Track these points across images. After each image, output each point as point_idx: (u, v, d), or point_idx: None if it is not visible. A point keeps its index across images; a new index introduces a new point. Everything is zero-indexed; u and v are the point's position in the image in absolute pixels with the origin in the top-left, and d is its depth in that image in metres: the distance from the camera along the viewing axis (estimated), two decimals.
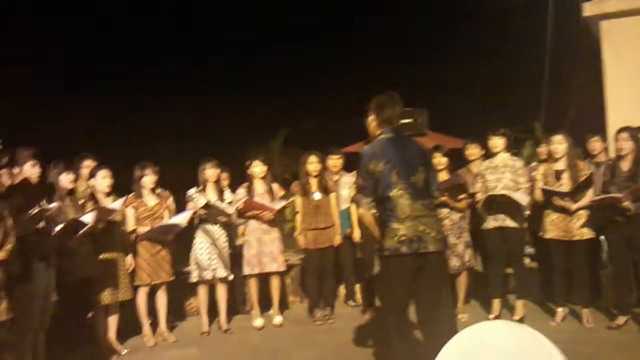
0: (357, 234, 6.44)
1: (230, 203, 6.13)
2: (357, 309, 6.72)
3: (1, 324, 2.92)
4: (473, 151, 6.43)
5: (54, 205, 4.47)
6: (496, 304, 5.91)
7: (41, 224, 4.28)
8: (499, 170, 5.79)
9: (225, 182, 6.57)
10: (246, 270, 6.22)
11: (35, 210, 4.09)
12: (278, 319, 6.30)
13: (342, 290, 7.13)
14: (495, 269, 5.96)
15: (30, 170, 4.43)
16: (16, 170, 4.38)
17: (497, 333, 2.68)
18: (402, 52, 17.24)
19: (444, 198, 5.74)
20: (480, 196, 5.83)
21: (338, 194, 6.50)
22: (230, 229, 6.32)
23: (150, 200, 5.86)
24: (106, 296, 5.36)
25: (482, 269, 6.68)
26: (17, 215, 3.77)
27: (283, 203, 6.31)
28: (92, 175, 5.50)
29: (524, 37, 13.60)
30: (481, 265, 6.68)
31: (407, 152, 3.88)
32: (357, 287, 6.94)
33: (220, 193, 6.18)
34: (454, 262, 5.91)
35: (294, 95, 17.67)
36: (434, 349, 3.41)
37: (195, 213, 5.96)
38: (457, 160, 6.55)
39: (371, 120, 4.04)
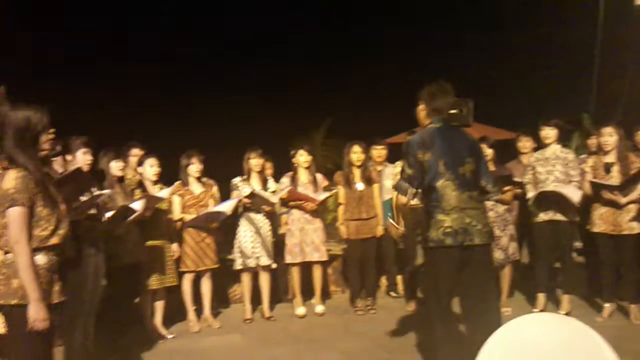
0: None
1: (274, 192, 6.18)
2: (399, 300, 6.71)
3: (54, 307, 2.99)
4: (525, 144, 6.32)
5: (105, 192, 4.58)
6: (541, 298, 5.82)
7: (92, 210, 4.41)
8: (550, 163, 5.69)
9: (269, 172, 6.63)
10: (288, 259, 6.28)
11: (87, 197, 4.20)
12: (320, 308, 6.34)
13: (383, 281, 7.12)
14: (543, 263, 5.87)
15: (82, 157, 4.55)
16: (69, 157, 4.51)
17: (544, 325, 2.65)
18: (449, 43, 16.96)
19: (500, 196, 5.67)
20: (529, 188, 5.74)
21: (381, 185, 6.48)
22: (274, 218, 6.38)
23: (196, 188, 5.95)
24: (153, 281, 5.49)
25: (528, 262, 6.58)
26: (70, 202, 3.87)
27: (326, 194, 6.33)
28: (140, 163, 5.62)
29: (574, 26, 13.24)
30: (528, 259, 6.58)
31: (455, 143, 3.84)
32: (399, 278, 6.92)
33: (264, 182, 6.24)
34: (498, 255, 5.82)
35: (337, 86, 17.63)
36: (477, 342, 3.38)
37: (239, 201, 6.03)
38: (506, 152, 6.45)
39: (421, 109, 4.01)
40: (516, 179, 5.83)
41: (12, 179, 2.82)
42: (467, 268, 3.79)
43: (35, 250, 2.87)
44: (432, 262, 3.87)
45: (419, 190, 3.84)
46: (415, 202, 5.82)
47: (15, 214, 2.81)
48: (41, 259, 2.91)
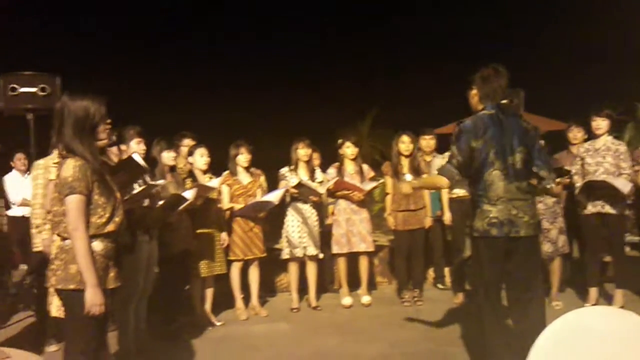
0: (447, 217, 6.36)
1: (321, 183, 6.20)
2: (446, 292, 6.66)
3: (109, 292, 3.08)
4: (577, 135, 6.16)
5: (160, 182, 4.68)
6: (593, 292, 5.69)
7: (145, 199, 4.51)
8: (600, 154, 5.54)
9: (316, 162, 6.65)
10: (334, 249, 6.29)
11: (142, 186, 4.29)
12: (366, 299, 6.34)
13: (431, 273, 7.07)
14: (592, 256, 5.73)
15: (136, 147, 4.65)
16: (123, 147, 4.62)
17: (600, 318, 2.60)
18: (501, 33, 16.64)
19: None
20: (577, 179, 5.60)
21: (430, 175, 6.42)
22: (321, 209, 6.40)
23: (244, 178, 6.02)
24: (203, 269, 5.58)
25: (579, 256, 6.43)
26: (124, 190, 3.97)
27: (373, 184, 6.31)
28: (190, 153, 5.72)
29: (629, 12, 12.79)
30: (578, 252, 6.43)
31: (507, 131, 3.72)
32: (447, 270, 6.86)
33: (312, 173, 6.26)
34: (547, 248, 5.71)
35: (385, 76, 17.54)
36: (522, 334, 3.35)
37: (287, 192, 6.07)
38: (557, 142, 6.30)
39: (474, 95, 3.91)
40: (567, 169, 5.70)
41: (70, 167, 2.91)
42: (513, 259, 3.74)
43: (92, 237, 2.96)
44: (478, 252, 3.83)
45: (466, 179, 3.78)
46: (463, 193, 5.79)
47: (74, 201, 2.89)
48: (98, 245, 3.00)
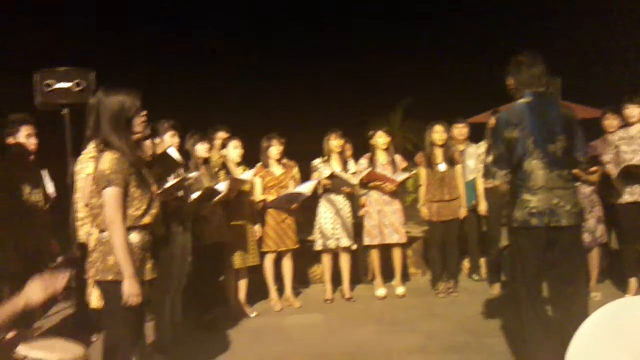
0: (483, 207, 6.28)
1: (354, 174, 6.17)
2: (481, 283, 6.58)
3: (146, 283, 3.12)
4: (613, 122, 6.01)
5: (194, 175, 4.72)
6: (633, 283, 5.58)
7: (180, 192, 4.55)
8: (636, 142, 5.42)
9: (349, 153, 6.62)
10: (367, 241, 6.27)
11: (176, 179, 4.34)
12: (401, 290, 6.31)
13: (466, 264, 7.00)
14: (630, 246, 5.61)
15: (170, 140, 4.69)
16: (157, 140, 4.66)
17: None
18: (533, 18, 16.30)
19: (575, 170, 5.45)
20: (611, 169, 5.48)
21: (464, 165, 6.35)
22: (354, 200, 6.38)
23: (277, 170, 6.03)
24: (237, 261, 5.62)
25: (617, 246, 6.29)
26: (159, 183, 4.01)
27: (406, 175, 6.26)
28: (224, 145, 5.74)
29: None
30: (616, 242, 6.29)
31: (547, 119, 3.63)
32: (482, 261, 6.78)
33: (345, 164, 6.23)
34: (585, 238, 5.57)
35: (417, 65, 17.37)
36: (564, 326, 3.28)
37: (319, 183, 6.06)
38: (593, 130, 6.16)
39: (511, 84, 3.82)
40: (604, 158, 5.58)
41: (108, 160, 2.95)
42: (554, 250, 3.66)
43: (129, 230, 3.00)
44: (517, 243, 3.77)
45: (509, 172, 3.70)
46: (498, 182, 5.70)
47: (111, 194, 2.93)
48: (135, 237, 3.04)
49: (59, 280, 2.63)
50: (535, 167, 3.59)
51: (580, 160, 3.77)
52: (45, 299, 2.59)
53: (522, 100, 3.70)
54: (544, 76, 3.74)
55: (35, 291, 2.56)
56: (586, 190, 5.61)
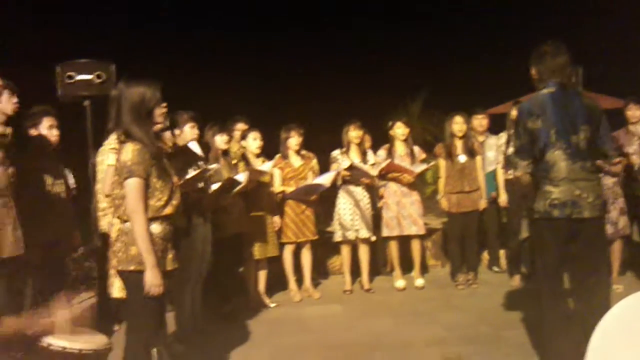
0: (503, 198, 6.24)
1: (373, 165, 6.16)
2: (501, 275, 6.54)
3: (168, 274, 3.15)
4: (635, 112, 5.92)
5: (214, 166, 4.74)
6: None
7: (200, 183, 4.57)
8: None
9: (367, 144, 6.60)
10: (385, 232, 6.26)
11: (198, 170, 4.36)
12: (420, 282, 6.30)
13: (485, 255, 6.96)
14: None
15: (189, 131, 4.72)
16: (177, 132, 4.69)
17: None
18: (555, 8, 16.06)
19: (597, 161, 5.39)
20: (635, 159, 5.40)
21: (484, 156, 6.30)
22: (373, 191, 6.36)
23: (295, 161, 6.04)
24: (256, 252, 5.64)
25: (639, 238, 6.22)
26: (180, 174, 4.04)
27: (424, 166, 6.24)
28: (243, 137, 5.76)
29: None
30: (638, 234, 6.22)
31: (569, 109, 3.58)
32: (502, 252, 6.74)
33: (364, 155, 6.22)
34: (607, 230, 5.51)
35: (435, 56, 17.23)
36: (586, 319, 3.25)
37: (338, 174, 6.06)
38: (615, 120, 6.07)
39: (533, 73, 3.77)
40: (627, 149, 5.50)
41: (129, 151, 2.98)
42: (576, 241, 3.62)
43: (150, 220, 3.02)
44: (538, 234, 3.74)
45: (531, 162, 3.66)
46: (519, 173, 5.65)
47: (133, 184, 2.96)
48: (156, 228, 3.06)
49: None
50: (558, 158, 3.55)
51: (609, 154, 3.73)
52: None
53: (545, 90, 3.65)
54: (567, 66, 3.69)
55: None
56: (608, 181, 5.55)
